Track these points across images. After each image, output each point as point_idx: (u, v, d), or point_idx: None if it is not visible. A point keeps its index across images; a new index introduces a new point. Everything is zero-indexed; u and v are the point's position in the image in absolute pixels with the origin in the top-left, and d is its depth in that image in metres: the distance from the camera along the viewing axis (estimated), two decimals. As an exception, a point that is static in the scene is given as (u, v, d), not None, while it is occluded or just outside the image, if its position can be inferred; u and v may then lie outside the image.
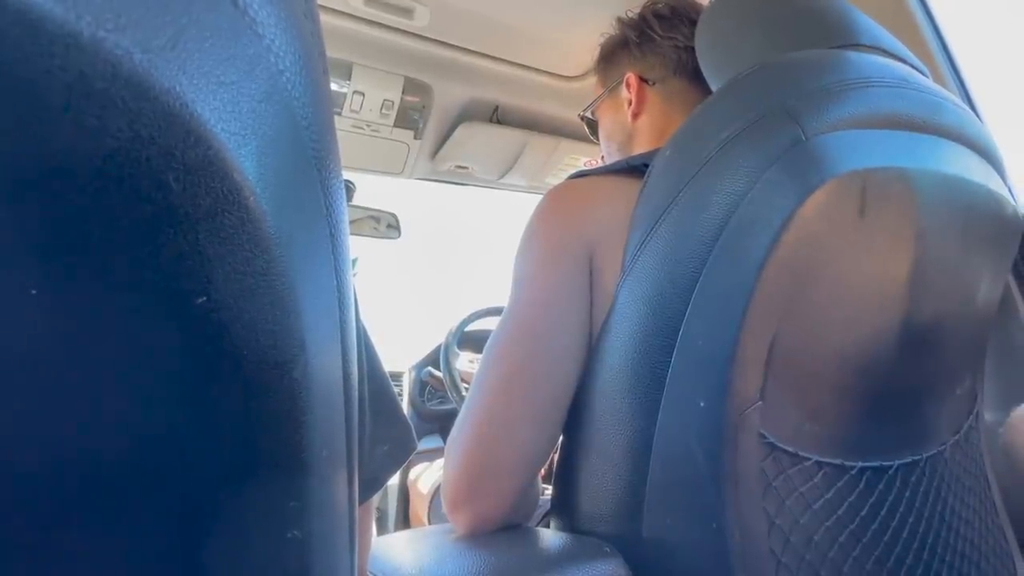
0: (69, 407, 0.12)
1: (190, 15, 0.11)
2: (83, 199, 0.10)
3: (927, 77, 0.47)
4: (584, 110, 0.73)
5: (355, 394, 0.20)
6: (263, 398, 0.15)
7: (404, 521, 1.42)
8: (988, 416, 0.57)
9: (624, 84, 0.64)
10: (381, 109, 1.01)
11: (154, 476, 0.14)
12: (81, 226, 0.10)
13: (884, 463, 0.43)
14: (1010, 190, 0.47)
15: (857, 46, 0.46)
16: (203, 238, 0.12)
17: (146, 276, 0.12)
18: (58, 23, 0.09)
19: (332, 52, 0.90)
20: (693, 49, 0.59)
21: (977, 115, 0.54)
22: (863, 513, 0.42)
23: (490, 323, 1.45)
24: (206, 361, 0.13)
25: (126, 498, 0.14)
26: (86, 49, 0.09)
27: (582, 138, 1.18)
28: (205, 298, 0.12)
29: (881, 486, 0.43)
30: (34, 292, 0.10)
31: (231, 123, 0.12)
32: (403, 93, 0.99)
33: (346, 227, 0.19)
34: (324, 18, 0.83)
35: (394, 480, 1.43)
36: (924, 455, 0.45)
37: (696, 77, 0.60)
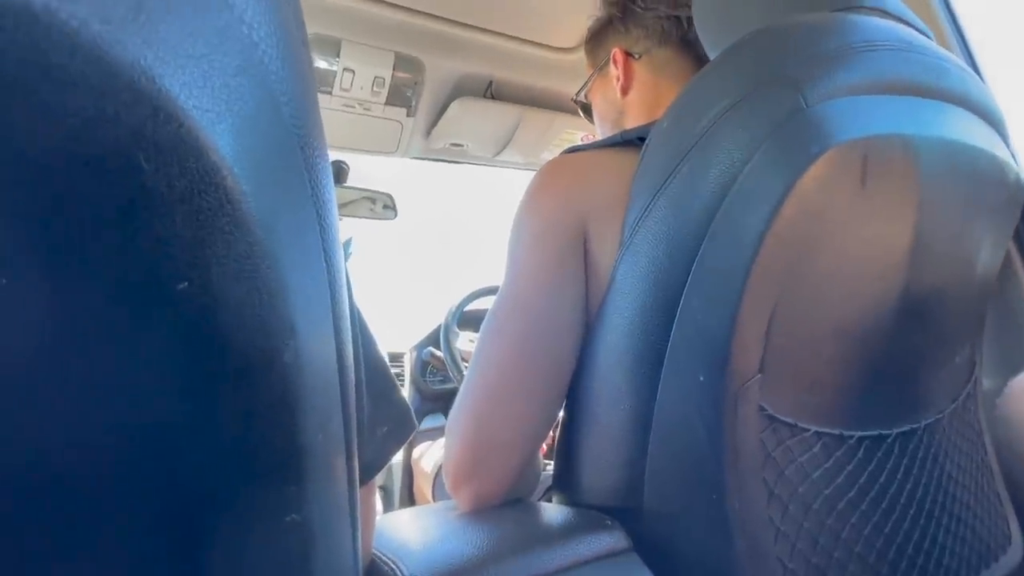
0: (53, 400, 0.12)
1: (153, -17, 0.11)
2: (47, 184, 0.09)
3: (931, 40, 0.46)
4: (576, 94, 0.73)
5: (351, 377, 0.20)
6: (254, 383, 0.15)
7: (409, 499, 1.44)
8: (987, 383, 0.58)
9: (611, 61, 0.63)
10: (372, 86, 0.99)
11: (147, 465, 0.14)
12: (48, 212, 0.10)
13: (883, 432, 0.44)
14: (1013, 155, 0.46)
15: (860, 8, 0.44)
16: (180, 221, 0.11)
17: (123, 262, 0.11)
18: (7, -8, 0.09)
19: (320, 28, 0.88)
20: (678, 18, 0.60)
21: (981, 79, 0.53)
22: (861, 481, 0.42)
23: (489, 303, 1.45)
24: (192, 346, 0.13)
25: (120, 488, 0.13)
26: (39, 19, 0.09)
27: (578, 112, 1.16)
28: (187, 283, 0.12)
29: (879, 455, 0.43)
30: (3, 281, 0.10)
31: (203, 99, 0.11)
32: (394, 69, 0.97)
33: (334, 208, 0.18)
34: (310, -8, 0.80)
35: (398, 458, 1.45)
36: (922, 423, 0.46)
37: (683, 46, 0.60)
